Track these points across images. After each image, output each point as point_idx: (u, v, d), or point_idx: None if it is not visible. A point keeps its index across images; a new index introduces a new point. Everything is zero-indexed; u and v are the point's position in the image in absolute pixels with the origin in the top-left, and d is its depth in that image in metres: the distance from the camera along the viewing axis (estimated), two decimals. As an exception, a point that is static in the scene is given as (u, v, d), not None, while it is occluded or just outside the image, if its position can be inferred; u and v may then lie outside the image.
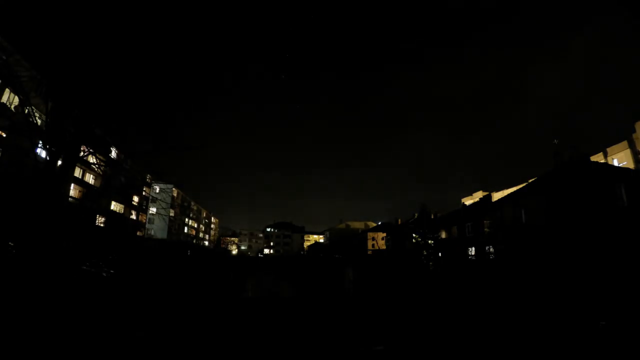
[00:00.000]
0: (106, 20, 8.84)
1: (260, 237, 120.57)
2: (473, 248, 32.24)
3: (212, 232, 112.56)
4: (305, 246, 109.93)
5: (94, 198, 34.22)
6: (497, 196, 41.27)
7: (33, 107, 8.70)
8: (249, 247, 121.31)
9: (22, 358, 6.29)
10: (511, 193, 29.22)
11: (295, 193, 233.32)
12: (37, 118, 8.78)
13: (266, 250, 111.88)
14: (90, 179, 36.46)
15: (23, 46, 8.69)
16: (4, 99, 20.56)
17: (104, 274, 17.58)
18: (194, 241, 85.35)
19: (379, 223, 76.56)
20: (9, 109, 18.70)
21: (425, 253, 37.40)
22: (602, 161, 33.29)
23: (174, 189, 55.36)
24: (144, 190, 45.44)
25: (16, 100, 10.99)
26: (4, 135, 20.21)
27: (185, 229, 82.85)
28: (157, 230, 61.98)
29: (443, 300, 17.19)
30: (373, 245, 61.74)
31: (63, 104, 9.00)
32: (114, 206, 44.56)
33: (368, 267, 35.04)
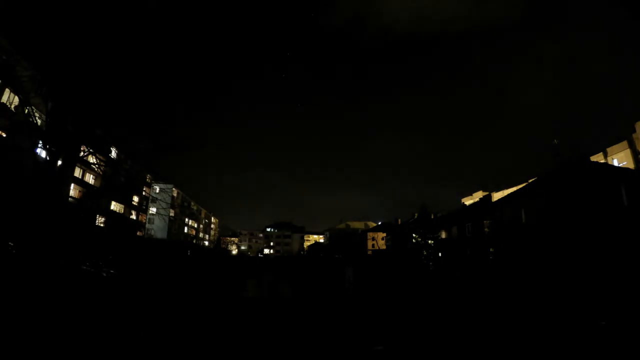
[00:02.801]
0: (107, 21, 8.85)
1: (260, 237, 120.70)
2: (473, 248, 32.25)
3: (212, 232, 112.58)
4: (305, 246, 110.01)
5: (94, 198, 34.22)
6: (497, 196, 41.26)
7: (33, 107, 8.72)
8: (249, 247, 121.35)
9: (22, 358, 6.29)
10: (511, 193, 29.22)
11: (295, 193, 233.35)
12: (37, 118, 8.79)
13: (266, 250, 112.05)
14: (90, 179, 36.49)
15: (23, 46, 8.70)
16: (4, 99, 20.56)
17: (104, 274, 17.59)
18: (194, 241, 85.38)
19: (379, 223, 76.54)
20: (9, 109, 18.70)
21: (425, 253, 37.42)
22: (602, 161, 33.28)
23: (174, 189, 55.35)
24: (144, 190, 45.51)
25: (16, 100, 10.98)
26: (4, 135, 20.21)
27: (185, 229, 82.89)
28: (157, 230, 62.01)
29: (443, 301, 17.19)
30: (373, 245, 61.79)
31: (63, 104, 9.01)
32: (114, 206, 44.59)
33: (368, 267, 35.02)
